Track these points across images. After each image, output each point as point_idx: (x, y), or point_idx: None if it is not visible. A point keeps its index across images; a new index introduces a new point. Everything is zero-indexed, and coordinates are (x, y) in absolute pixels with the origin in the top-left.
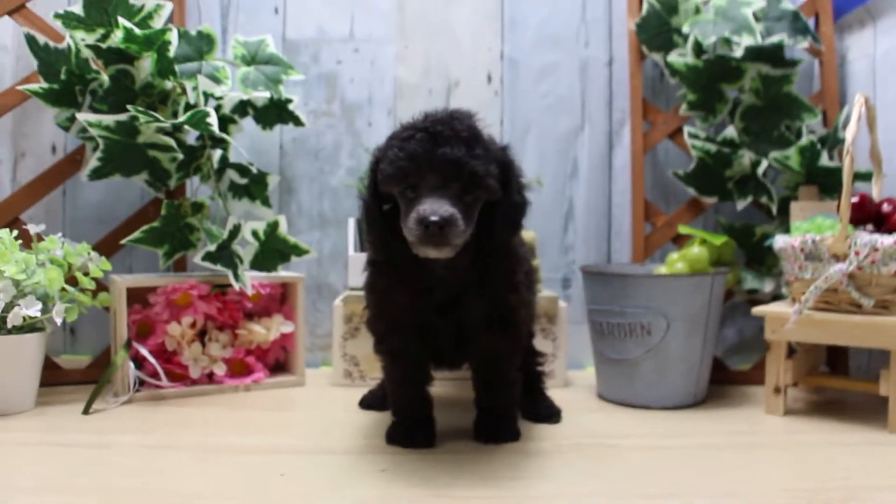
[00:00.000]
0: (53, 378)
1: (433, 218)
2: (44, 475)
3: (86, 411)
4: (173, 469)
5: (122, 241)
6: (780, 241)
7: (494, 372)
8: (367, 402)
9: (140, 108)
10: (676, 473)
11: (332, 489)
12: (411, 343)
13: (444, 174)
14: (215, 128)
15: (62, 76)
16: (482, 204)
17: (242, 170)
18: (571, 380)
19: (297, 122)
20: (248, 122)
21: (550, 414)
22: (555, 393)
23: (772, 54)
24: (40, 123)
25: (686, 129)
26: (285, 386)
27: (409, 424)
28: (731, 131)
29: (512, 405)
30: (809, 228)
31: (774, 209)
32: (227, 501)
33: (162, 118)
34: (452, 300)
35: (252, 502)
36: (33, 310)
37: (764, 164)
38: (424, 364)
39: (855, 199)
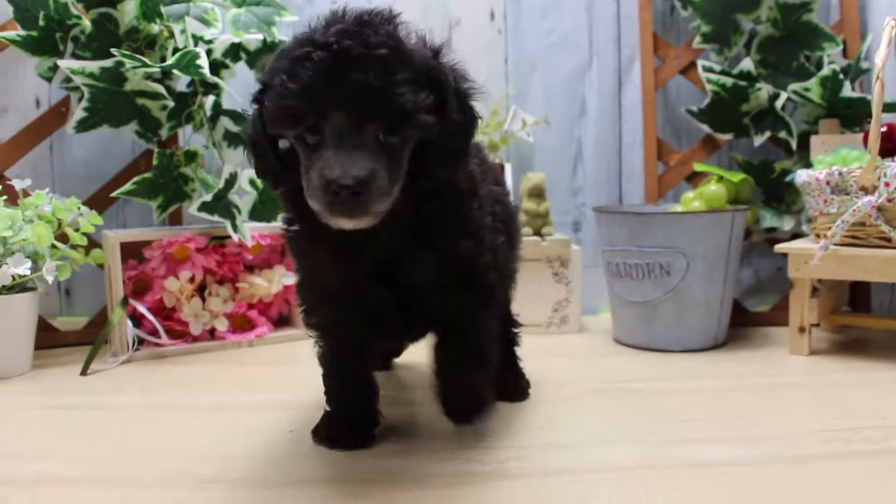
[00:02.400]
0: (50, 341)
1: (344, 181)
2: (43, 439)
3: (83, 372)
4: (177, 429)
5: (113, 194)
6: (803, 176)
7: (456, 341)
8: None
9: (126, 53)
10: (706, 417)
11: None
12: (345, 315)
13: (358, 112)
14: (206, 70)
15: (40, 22)
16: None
17: (237, 116)
18: (586, 325)
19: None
20: (241, 68)
21: (517, 389)
22: (570, 339)
23: None
24: (21, 76)
25: (700, 63)
26: (290, 340)
27: (339, 419)
28: (747, 63)
29: (482, 386)
30: (834, 161)
31: (794, 144)
32: (236, 461)
33: (150, 62)
34: (390, 261)
35: (262, 460)
36: (22, 268)
37: (783, 96)
38: (364, 341)
39: (884, 129)
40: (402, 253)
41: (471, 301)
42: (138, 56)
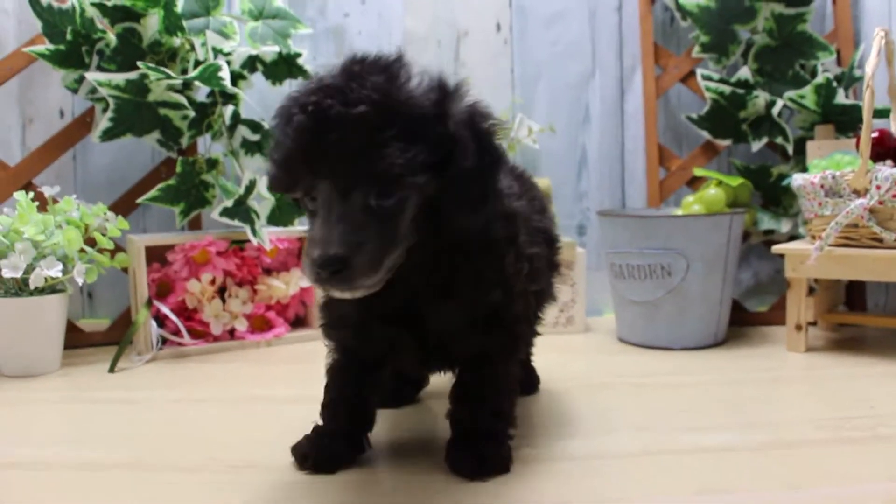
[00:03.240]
0: (75, 341)
1: (323, 262)
2: (76, 429)
3: (111, 370)
4: (204, 421)
5: (139, 201)
6: (799, 179)
7: (480, 378)
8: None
9: (151, 65)
10: (707, 408)
11: None
12: (363, 344)
13: (340, 179)
14: (227, 82)
15: (67, 37)
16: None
17: (255, 126)
18: (591, 325)
19: (306, 76)
20: (257, 78)
21: (528, 384)
22: (575, 338)
23: None
24: (46, 88)
25: (699, 72)
26: (306, 340)
27: (321, 433)
28: (745, 72)
29: (503, 425)
30: (828, 165)
31: (790, 149)
32: (263, 448)
33: (173, 74)
34: (412, 305)
35: (286, 447)
36: (54, 270)
37: (779, 104)
38: (375, 369)
39: (874, 135)
40: (423, 301)
41: (495, 348)
42: (163, 69)
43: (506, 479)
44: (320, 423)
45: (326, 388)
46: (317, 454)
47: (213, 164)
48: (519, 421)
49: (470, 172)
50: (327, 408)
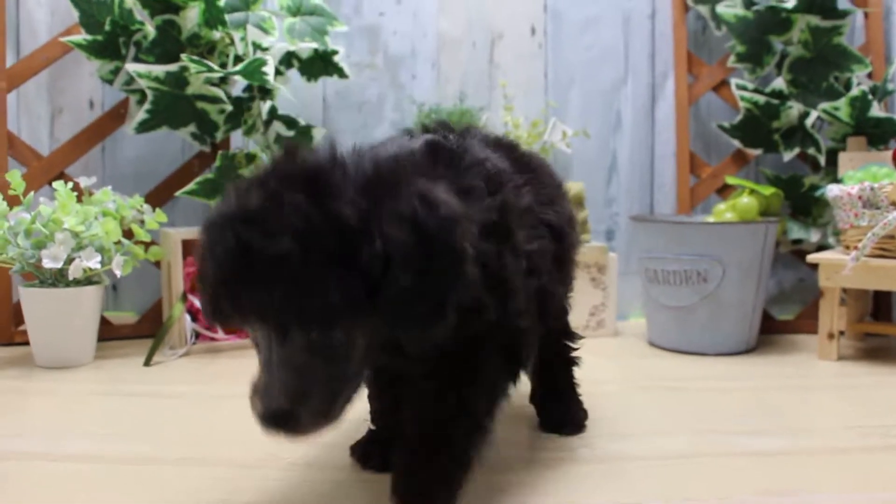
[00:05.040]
0: (105, 333)
1: (266, 420)
2: (113, 422)
3: (147, 363)
4: (238, 415)
5: (177, 194)
6: (835, 190)
7: (442, 408)
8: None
9: (193, 58)
10: (746, 413)
11: None
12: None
13: (270, 319)
14: (271, 77)
15: (106, 27)
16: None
17: (290, 122)
18: (619, 329)
19: (342, 73)
20: (292, 74)
21: (573, 420)
22: (606, 341)
23: (822, 6)
24: (77, 78)
25: (734, 81)
26: None
27: (376, 440)
28: (779, 83)
29: (457, 475)
30: (864, 177)
31: (822, 160)
32: (312, 446)
33: (216, 67)
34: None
35: (334, 446)
36: (93, 262)
37: (813, 115)
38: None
39: None
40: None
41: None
42: (205, 62)
43: (566, 478)
44: (372, 427)
45: (368, 397)
46: (374, 457)
47: (251, 158)
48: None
49: (411, 289)
50: (373, 417)
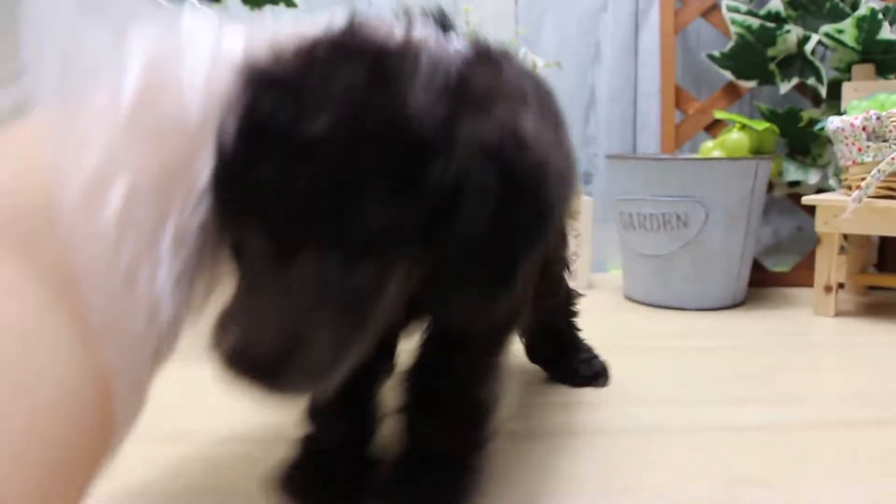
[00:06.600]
0: None
1: (236, 365)
2: None
3: None
4: None
5: None
6: (836, 122)
7: (454, 371)
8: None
9: None
10: (730, 378)
11: None
12: None
13: (277, 230)
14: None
15: None
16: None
17: None
18: (595, 282)
19: (290, 2)
20: (231, 2)
21: (595, 373)
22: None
23: None
24: None
25: (724, 3)
26: None
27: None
28: (776, 4)
29: (476, 444)
30: (871, 106)
31: (823, 91)
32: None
33: None
34: None
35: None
36: None
37: (813, 39)
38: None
39: None
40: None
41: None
42: None
43: (505, 456)
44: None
45: None
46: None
47: None
48: (526, 398)
49: (483, 239)
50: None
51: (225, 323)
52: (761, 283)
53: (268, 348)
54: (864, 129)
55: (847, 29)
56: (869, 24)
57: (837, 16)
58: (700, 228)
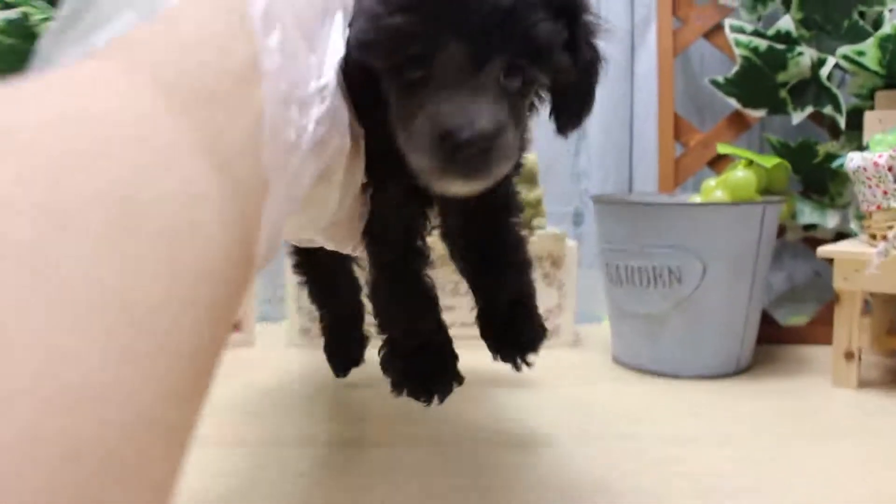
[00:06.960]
0: None
1: (466, 135)
2: None
3: None
4: None
5: None
6: (856, 160)
7: (497, 228)
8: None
9: (35, 3)
10: (723, 478)
11: None
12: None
13: (480, 43)
14: None
15: None
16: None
17: None
18: (583, 337)
19: None
20: None
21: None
22: (559, 356)
23: None
24: None
25: (728, 23)
26: (230, 346)
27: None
28: (786, 23)
29: (532, 287)
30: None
31: (842, 122)
32: None
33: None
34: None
35: None
36: None
37: (830, 63)
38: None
39: None
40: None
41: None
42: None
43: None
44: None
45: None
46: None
47: None
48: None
49: (586, 68)
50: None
51: (428, 119)
52: (772, 340)
53: (484, 130)
54: (889, 168)
55: (869, 50)
56: (894, 45)
57: (857, 35)
58: (696, 285)
